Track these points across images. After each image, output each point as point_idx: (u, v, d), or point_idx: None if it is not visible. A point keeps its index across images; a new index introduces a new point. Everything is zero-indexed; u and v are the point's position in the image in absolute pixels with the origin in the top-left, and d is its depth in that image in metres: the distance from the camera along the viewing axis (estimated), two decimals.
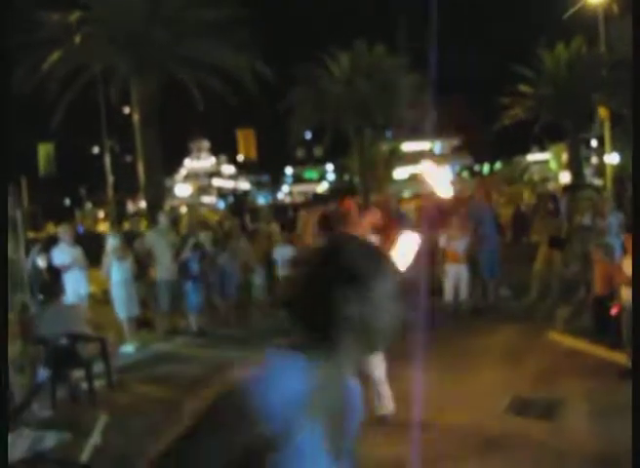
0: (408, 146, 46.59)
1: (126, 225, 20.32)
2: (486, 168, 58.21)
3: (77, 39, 16.17)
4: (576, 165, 28.95)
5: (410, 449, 4.31)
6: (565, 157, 33.53)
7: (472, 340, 7.09)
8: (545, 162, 45.54)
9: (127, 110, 21.36)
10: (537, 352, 6.44)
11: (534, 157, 50.68)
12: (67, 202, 55.95)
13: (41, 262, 7.57)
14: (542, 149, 46.16)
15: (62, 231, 7.96)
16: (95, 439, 4.82)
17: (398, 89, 26.39)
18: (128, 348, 7.77)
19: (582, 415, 4.71)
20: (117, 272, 8.01)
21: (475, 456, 4.16)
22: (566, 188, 18.27)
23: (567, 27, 24.31)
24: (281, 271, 9.20)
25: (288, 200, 50.26)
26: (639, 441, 2.72)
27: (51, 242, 8.46)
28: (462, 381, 5.70)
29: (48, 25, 16.14)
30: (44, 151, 21.93)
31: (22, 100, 17.70)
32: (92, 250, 8.79)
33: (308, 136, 37.63)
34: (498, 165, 54.19)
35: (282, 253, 9.20)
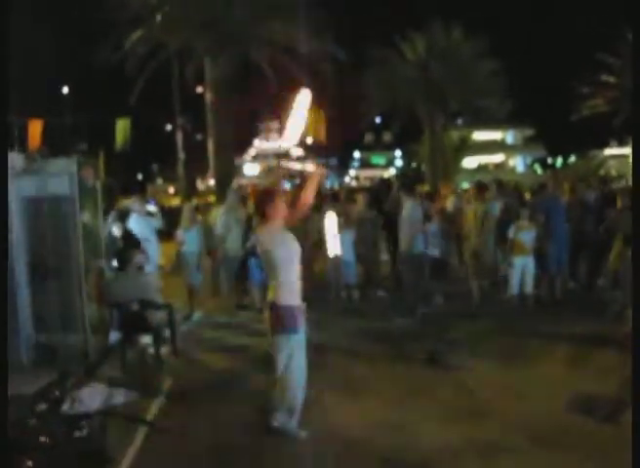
0: (479, 135, 45.52)
1: (194, 201, 20.89)
2: (559, 161, 56.16)
3: (158, 18, 16.65)
4: None
5: (465, 436, 4.33)
6: None
7: (537, 334, 6.96)
8: (624, 157, 43.45)
9: (200, 90, 21.84)
10: (603, 351, 6.25)
11: (612, 151, 48.40)
12: (140, 177, 57.90)
13: (116, 231, 7.91)
14: (622, 144, 44.06)
15: (137, 203, 8.33)
16: (160, 400, 5.08)
17: (474, 74, 25.73)
18: (193, 316, 8.11)
19: None
20: (184, 242, 8.36)
21: (531, 450, 4.11)
22: None
23: None
24: (345, 254, 9.24)
25: (354, 184, 50.20)
26: (639, 438, 2.69)
27: (125, 213, 8.82)
28: (525, 374, 5.62)
29: (131, 5, 16.67)
30: (121, 126, 22.67)
31: (103, 77, 18.41)
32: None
33: (378, 120, 37.26)
34: (572, 158, 52.17)
35: (345, 236, 9.25)
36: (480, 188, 9.16)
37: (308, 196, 4.36)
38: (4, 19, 2.96)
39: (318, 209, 10.68)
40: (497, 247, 8.87)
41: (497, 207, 8.99)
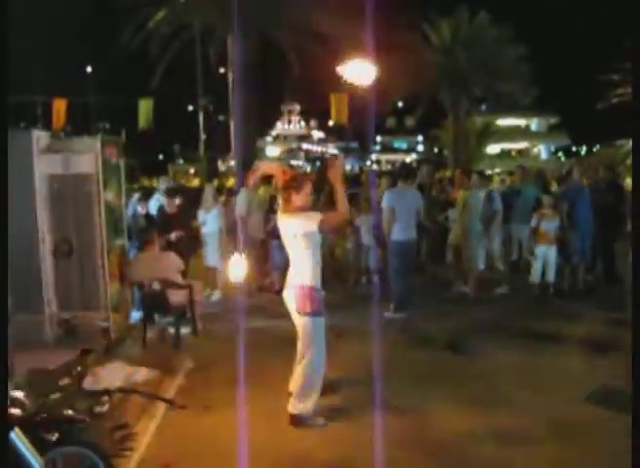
0: (503, 121, 44.91)
1: (215, 182, 20.98)
2: (584, 150, 55.32)
3: None
4: None
5: (483, 423, 4.32)
6: None
7: (557, 324, 6.89)
8: None
9: (222, 70, 21.81)
10: (624, 343, 6.17)
11: None
12: (161, 157, 58.22)
13: (140, 210, 8.00)
14: None
15: (162, 183, 8.41)
16: (179, 379, 5.14)
17: (499, 60, 25.33)
18: (212, 297, 8.18)
19: None
20: (205, 223, 8.39)
21: (549, 440, 4.09)
22: None
23: None
24: (364, 238, 9.22)
25: (375, 168, 50.06)
26: (639, 438, 2.65)
27: (148, 192, 8.90)
28: (544, 364, 5.58)
29: None
30: (144, 106, 22.78)
31: (127, 57, 18.49)
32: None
33: (400, 104, 36.94)
34: (597, 147, 51.31)
35: (365, 220, 9.22)
36: (464, 175, 8.64)
37: (341, 205, 4.19)
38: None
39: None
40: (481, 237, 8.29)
41: (480, 196, 8.33)
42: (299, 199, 4.26)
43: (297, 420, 4.30)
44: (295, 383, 4.36)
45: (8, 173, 2.91)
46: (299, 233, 4.23)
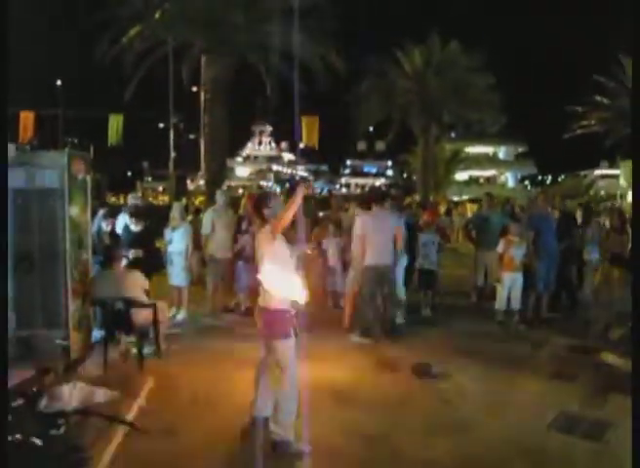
0: (471, 149, 45.78)
1: (183, 201, 20.81)
2: (550, 179, 56.74)
3: (157, 15, 16.59)
4: None
5: (449, 449, 4.30)
6: None
7: (521, 352, 6.95)
8: (615, 177, 43.86)
9: (195, 89, 21.74)
10: (587, 370, 6.25)
11: (602, 172, 48.90)
12: (129, 173, 57.70)
13: (105, 227, 7.84)
14: (613, 165, 44.50)
15: (131, 199, 8.29)
16: (141, 400, 4.99)
17: (469, 88, 25.90)
18: (177, 316, 8.04)
19: (629, 439, 4.54)
20: (171, 241, 8.27)
21: (515, 465, 4.09)
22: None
23: None
24: (331, 261, 9.19)
25: (344, 191, 50.43)
26: (639, 442, 2.70)
27: (115, 210, 8.76)
28: (507, 392, 5.59)
29: (132, 1, 16.59)
30: (114, 122, 22.60)
31: (100, 72, 18.31)
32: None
33: (371, 129, 37.39)
34: (562, 176, 52.70)
35: (333, 243, 9.21)
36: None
37: (288, 215, 4.11)
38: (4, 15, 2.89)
39: (309, 214, 10.58)
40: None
41: None
42: (270, 212, 4.24)
43: (280, 447, 4.16)
44: (272, 409, 4.26)
45: None
46: (265, 250, 4.19)
